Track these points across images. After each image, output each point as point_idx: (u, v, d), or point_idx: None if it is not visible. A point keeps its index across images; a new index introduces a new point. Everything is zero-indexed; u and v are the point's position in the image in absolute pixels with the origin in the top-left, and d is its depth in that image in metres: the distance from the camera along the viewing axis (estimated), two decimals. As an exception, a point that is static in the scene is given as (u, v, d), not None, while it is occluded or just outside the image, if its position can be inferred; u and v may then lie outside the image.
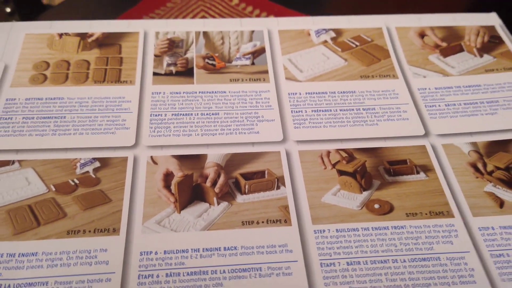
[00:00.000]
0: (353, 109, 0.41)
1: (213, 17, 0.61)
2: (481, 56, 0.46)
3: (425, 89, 0.43)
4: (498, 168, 0.37)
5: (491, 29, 0.48)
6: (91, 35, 0.47)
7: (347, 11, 0.61)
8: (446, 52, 0.46)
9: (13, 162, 0.37)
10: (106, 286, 0.30)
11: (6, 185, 0.35)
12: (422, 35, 0.47)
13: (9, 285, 0.30)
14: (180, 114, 0.41)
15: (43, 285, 0.30)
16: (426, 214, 0.34)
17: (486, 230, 0.33)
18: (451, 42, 0.47)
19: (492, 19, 0.49)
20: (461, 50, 0.46)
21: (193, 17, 0.62)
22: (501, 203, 0.35)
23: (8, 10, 1.10)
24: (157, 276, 0.31)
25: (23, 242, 0.32)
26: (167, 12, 0.64)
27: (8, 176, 0.36)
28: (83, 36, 0.47)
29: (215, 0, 0.65)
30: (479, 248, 0.32)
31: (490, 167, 0.37)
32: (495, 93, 0.42)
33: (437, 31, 0.47)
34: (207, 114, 0.41)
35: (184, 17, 0.61)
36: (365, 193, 0.36)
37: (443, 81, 0.43)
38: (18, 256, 0.32)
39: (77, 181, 0.36)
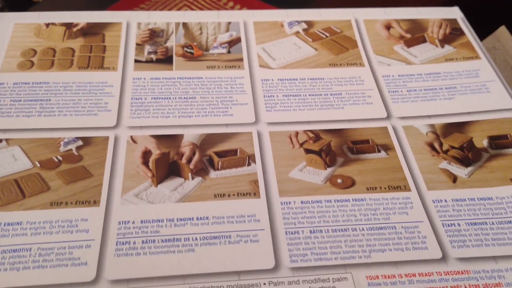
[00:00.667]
0: (321, 94, 0.43)
1: (195, 9, 0.63)
2: (442, 46, 0.48)
3: (389, 76, 0.45)
4: (453, 148, 0.39)
5: (453, 22, 0.50)
6: (76, 25, 0.48)
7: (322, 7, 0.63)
8: (410, 43, 0.48)
9: (1, 140, 0.38)
10: (86, 252, 0.32)
11: (-7, 161, 0.37)
12: (388, 27, 0.49)
13: (-6, 252, 0.31)
14: (159, 98, 0.42)
15: (27, 251, 0.31)
16: (385, 188, 0.36)
17: (439, 202, 0.35)
18: (415, 34, 0.49)
19: (454, 12, 0.51)
20: (424, 41, 0.48)
21: (177, 9, 0.64)
22: (454, 179, 0.37)
23: (-3, 5, 1.09)
24: (134, 243, 0.32)
25: (8, 213, 0.33)
26: (152, 6, 0.65)
27: (-5, 153, 0.37)
28: (68, 25, 0.48)
29: (198, -5, 0.67)
30: (432, 218, 0.34)
31: (445, 147, 0.39)
32: (453, 80, 0.44)
33: (402, 24, 0.49)
34: (184, 98, 0.42)
35: (168, 10, 0.63)
36: (329, 169, 0.37)
37: (406, 69, 0.45)
38: (4, 225, 0.33)
39: (60, 158, 0.37)
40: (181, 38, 0.48)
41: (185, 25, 0.49)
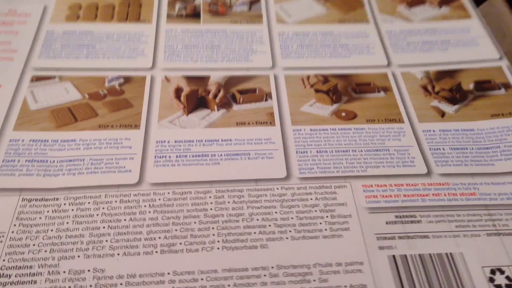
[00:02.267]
0: (330, 45, 0.48)
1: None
2: (440, 7, 0.52)
3: (391, 31, 0.50)
4: (443, 89, 0.43)
5: (451, -14, 0.54)
6: (115, -15, 0.54)
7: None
8: (411, 4, 0.52)
9: (54, 77, 0.44)
10: (130, 162, 0.37)
11: (49, 92, 0.43)
12: (393, -10, 0.54)
13: (53, 161, 0.37)
14: (189, 46, 0.47)
15: (81, 161, 0.37)
16: (382, 120, 0.41)
17: (428, 132, 0.40)
18: (417, -3, 0.53)
19: (453, -22, 0.55)
20: (424, 2, 0.53)
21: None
22: (442, 114, 0.42)
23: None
24: (169, 157, 0.38)
25: (64, 132, 0.39)
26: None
27: (51, 86, 0.43)
28: (108, -15, 0.53)
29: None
30: (421, 144, 0.39)
31: (437, 88, 0.44)
32: (448, 34, 0.49)
33: (406, -13, 0.54)
34: (211, 46, 0.48)
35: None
36: (335, 105, 0.43)
37: (407, 26, 0.50)
38: (61, 142, 0.39)
39: (106, 92, 0.43)
40: (207, -3, 0.53)
41: (210, -14, 0.54)
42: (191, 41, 0.48)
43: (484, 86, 0.44)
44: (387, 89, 0.44)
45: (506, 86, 0.44)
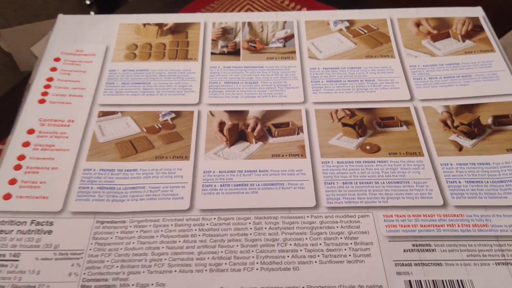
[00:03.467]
0: (357, 80, 0.52)
1: (257, 9, 0.73)
2: (464, 41, 0.55)
3: (415, 66, 0.53)
4: (462, 124, 0.47)
5: (475, 20, 0.57)
6: (166, 25, 0.60)
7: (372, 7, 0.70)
8: (435, 38, 0.55)
9: (117, 112, 0.51)
10: (182, 190, 0.43)
11: (114, 127, 0.49)
12: (418, 24, 0.57)
13: (119, 188, 0.44)
14: (230, 82, 0.53)
15: (141, 188, 0.44)
16: (403, 153, 0.45)
17: (446, 165, 0.44)
18: (441, 30, 0.56)
19: (477, 11, 0.58)
20: (448, 36, 0.56)
21: (241, 9, 0.74)
22: (460, 148, 0.45)
23: (87, 2, 1.26)
24: (214, 186, 0.44)
25: (127, 163, 0.46)
26: (220, 5, 0.76)
27: (115, 121, 0.50)
28: (160, 25, 0.60)
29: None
30: (439, 177, 0.43)
31: (456, 123, 0.47)
32: (469, 69, 0.52)
33: (431, 21, 0.57)
34: (249, 82, 0.53)
35: (233, 9, 0.74)
36: (360, 139, 0.47)
37: (430, 60, 0.53)
38: (125, 171, 0.45)
39: (160, 126, 0.50)
40: (246, 35, 0.58)
41: (249, 24, 0.59)
42: (232, 77, 0.53)
43: (502, 121, 0.47)
44: (409, 123, 0.48)
45: (523, 119, 0.47)
